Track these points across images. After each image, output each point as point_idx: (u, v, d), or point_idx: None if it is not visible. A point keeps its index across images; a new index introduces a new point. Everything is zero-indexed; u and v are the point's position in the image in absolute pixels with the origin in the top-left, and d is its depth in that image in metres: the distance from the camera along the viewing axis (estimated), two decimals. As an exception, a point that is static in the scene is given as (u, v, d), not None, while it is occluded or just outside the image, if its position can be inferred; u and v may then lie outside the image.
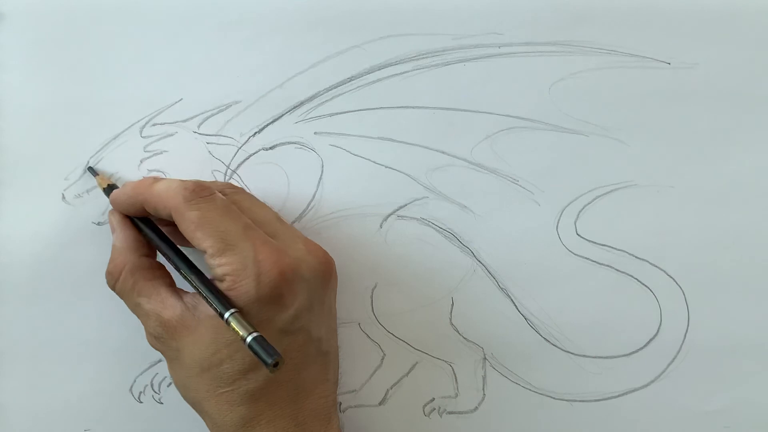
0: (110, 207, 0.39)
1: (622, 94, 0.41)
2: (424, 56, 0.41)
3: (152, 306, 0.36)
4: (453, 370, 0.41)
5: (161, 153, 0.41)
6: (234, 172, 0.41)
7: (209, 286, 0.34)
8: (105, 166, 0.41)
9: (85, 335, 0.41)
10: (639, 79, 0.41)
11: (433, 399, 0.41)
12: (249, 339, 0.32)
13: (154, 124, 0.41)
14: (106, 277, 0.38)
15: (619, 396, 0.41)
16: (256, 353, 0.32)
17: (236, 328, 0.32)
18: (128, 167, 0.41)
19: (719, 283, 0.41)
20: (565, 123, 0.41)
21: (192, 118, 0.41)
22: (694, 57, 0.41)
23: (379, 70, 0.41)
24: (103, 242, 0.41)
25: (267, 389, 0.35)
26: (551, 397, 0.41)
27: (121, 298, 0.38)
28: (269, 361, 0.31)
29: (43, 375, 0.41)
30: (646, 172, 0.41)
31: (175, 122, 0.41)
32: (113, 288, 0.38)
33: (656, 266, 0.41)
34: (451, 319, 0.41)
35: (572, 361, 0.41)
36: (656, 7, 0.41)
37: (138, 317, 0.37)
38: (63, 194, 0.41)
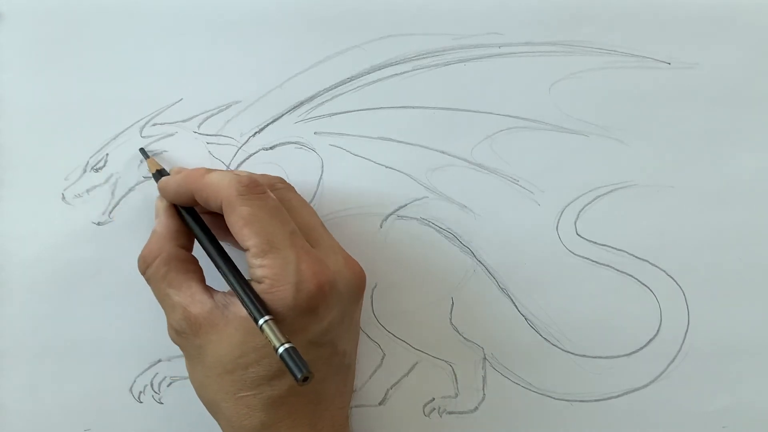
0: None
1: (622, 94, 0.41)
2: (424, 56, 0.41)
3: (180, 299, 0.36)
4: (453, 370, 0.41)
5: (161, 153, 0.41)
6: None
7: (246, 288, 0.34)
8: (105, 165, 0.41)
9: (85, 335, 0.41)
10: (639, 79, 0.41)
11: (433, 399, 0.41)
12: (281, 349, 0.31)
13: (154, 124, 0.41)
14: (139, 261, 0.37)
15: (619, 396, 0.41)
16: (287, 365, 0.31)
17: (270, 336, 0.32)
18: (128, 167, 0.41)
19: (719, 283, 0.41)
20: (565, 123, 0.41)
21: (192, 118, 0.41)
22: (694, 57, 0.41)
23: (379, 70, 0.41)
24: (103, 242, 0.41)
25: (289, 397, 0.35)
26: (551, 397, 0.41)
27: (150, 284, 0.37)
28: (299, 375, 0.31)
29: (43, 375, 0.41)
30: (646, 172, 0.41)
31: (175, 122, 0.41)
32: (143, 273, 0.37)
33: (656, 266, 0.41)
34: (451, 319, 0.41)
35: (572, 361, 0.41)
36: (656, 7, 0.41)
37: (163, 308, 0.37)
38: (63, 194, 0.41)
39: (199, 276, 0.37)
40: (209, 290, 0.36)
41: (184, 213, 0.38)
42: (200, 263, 0.38)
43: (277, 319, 0.33)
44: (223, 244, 0.37)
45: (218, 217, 0.37)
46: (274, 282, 0.34)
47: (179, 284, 0.36)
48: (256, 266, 0.34)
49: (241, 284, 0.34)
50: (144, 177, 0.41)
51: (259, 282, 0.34)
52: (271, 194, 0.36)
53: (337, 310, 0.35)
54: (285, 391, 0.34)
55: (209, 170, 0.37)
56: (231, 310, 0.35)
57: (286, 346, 0.31)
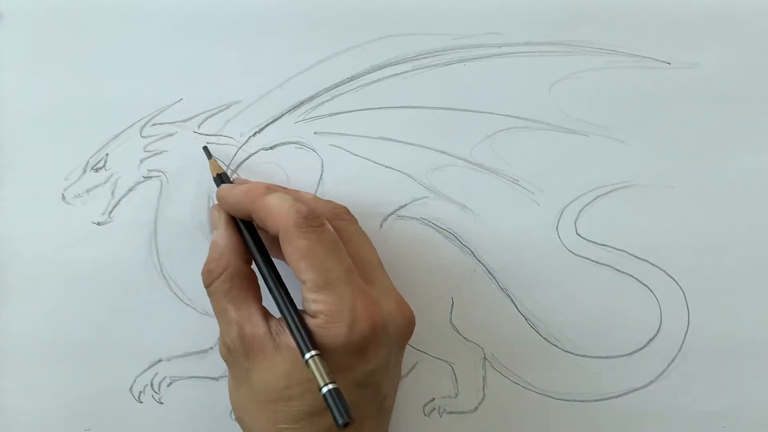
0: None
1: (622, 94, 0.41)
2: (424, 56, 0.41)
3: (238, 317, 0.35)
4: (453, 370, 0.41)
5: (161, 153, 0.41)
6: (234, 172, 0.41)
7: (298, 320, 0.34)
8: (105, 165, 0.41)
9: (85, 335, 0.41)
10: (639, 79, 0.41)
11: (433, 399, 0.41)
12: (325, 389, 0.31)
13: (154, 124, 0.41)
14: (204, 274, 0.37)
15: (619, 396, 0.41)
16: (329, 406, 0.31)
17: (315, 373, 0.32)
18: (128, 167, 0.41)
19: (719, 283, 0.41)
20: (565, 123, 0.41)
21: (192, 118, 0.41)
22: (694, 57, 0.41)
23: (379, 70, 0.41)
24: (103, 242, 0.41)
25: None
26: (551, 397, 0.41)
27: (210, 297, 0.37)
28: (340, 421, 0.31)
29: (43, 375, 0.41)
30: (646, 172, 0.41)
31: (175, 122, 0.41)
32: (208, 286, 0.36)
33: (656, 266, 0.41)
34: (451, 319, 0.41)
35: (572, 361, 0.41)
36: (656, 7, 0.41)
37: (219, 322, 0.36)
38: (63, 194, 0.41)
39: (258, 295, 0.37)
40: (266, 313, 0.36)
41: (243, 228, 0.37)
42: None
43: (327, 356, 0.33)
44: (277, 260, 0.37)
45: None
46: (328, 318, 0.33)
47: (239, 302, 0.36)
48: (310, 300, 0.34)
49: (293, 315, 0.34)
50: (144, 177, 0.41)
51: (314, 317, 0.34)
52: (329, 227, 0.35)
53: (385, 353, 0.35)
54: (325, 429, 0.34)
55: (270, 188, 0.36)
56: (282, 339, 0.34)
57: (331, 386, 0.31)
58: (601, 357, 0.41)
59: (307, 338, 0.33)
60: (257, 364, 0.34)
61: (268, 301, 0.36)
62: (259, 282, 0.37)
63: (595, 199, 0.41)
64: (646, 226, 0.41)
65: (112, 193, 0.41)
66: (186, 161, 0.41)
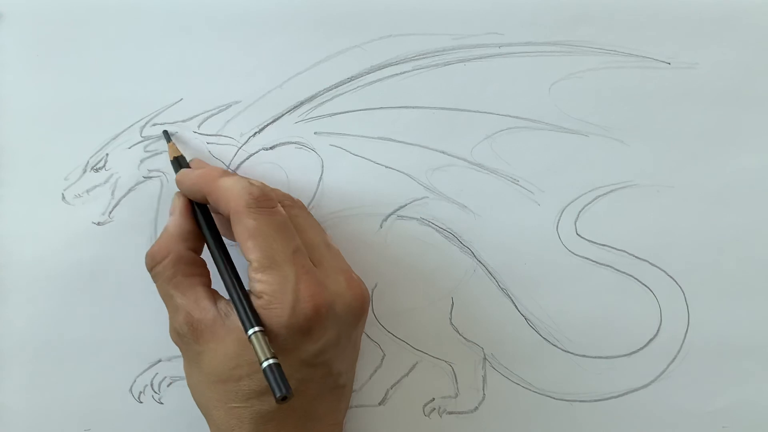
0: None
1: (622, 94, 0.41)
2: (424, 56, 0.41)
3: (185, 302, 0.36)
4: (453, 370, 0.41)
5: (161, 153, 0.41)
6: (234, 172, 0.41)
7: (244, 299, 0.34)
8: (105, 165, 0.41)
9: (85, 335, 0.41)
10: (639, 79, 0.41)
11: (433, 399, 0.41)
12: (265, 364, 0.32)
13: (154, 124, 0.41)
14: (147, 258, 0.37)
15: (619, 396, 0.41)
16: (268, 380, 0.31)
17: (256, 348, 0.32)
18: (128, 167, 0.41)
19: (719, 283, 0.41)
20: (565, 123, 0.41)
21: (192, 118, 0.41)
22: (694, 57, 0.41)
23: (379, 70, 0.41)
24: (103, 242, 0.41)
25: (278, 413, 0.35)
26: (551, 397, 0.41)
27: (155, 282, 0.37)
28: (278, 393, 0.31)
29: (43, 375, 0.41)
30: (646, 172, 0.41)
31: (175, 122, 0.41)
32: (150, 270, 0.37)
33: (656, 266, 0.41)
34: (451, 319, 0.41)
35: (572, 361, 0.41)
36: (656, 7, 0.41)
37: (167, 308, 0.37)
38: (63, 194, 0.41)
39: (205, 280, 0.37)
40: (214, 296, 0.36)
41: (197, 213, 0.38)
42: (209, 266, 0.38)
43: (271, 336, 0.33)
44: (232, 246, 0.37)
45: None
46: (271, 299, 0.34)
47: (185, 288, 0.36)
48: (255, 280, 0.34)
49: (239, 295, 0.34)
50: (144, 177, 0.41)
51: (258, 297, 0.34)
52: (280, 209, 0.36)
53: (334, 332, 0.35)
54: (275, 407, 0.34)
55: (225, 172, 0.37)
56: (232, 319, 0.35)
57: (271, 362, 0.32)
58: (601, 357, 0.41)
59: (252, 316, 0.33)
60: (207, 347, 0.35)
61: (223, 289, 0.36)
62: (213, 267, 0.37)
63: (595, 199, 0.41)
64: (646, 226, 0.41)
65: (112, 193, 0.41)
66: (186, 161, 0.41)
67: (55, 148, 0.41)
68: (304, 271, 0.34)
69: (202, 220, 0.37)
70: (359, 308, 0.37)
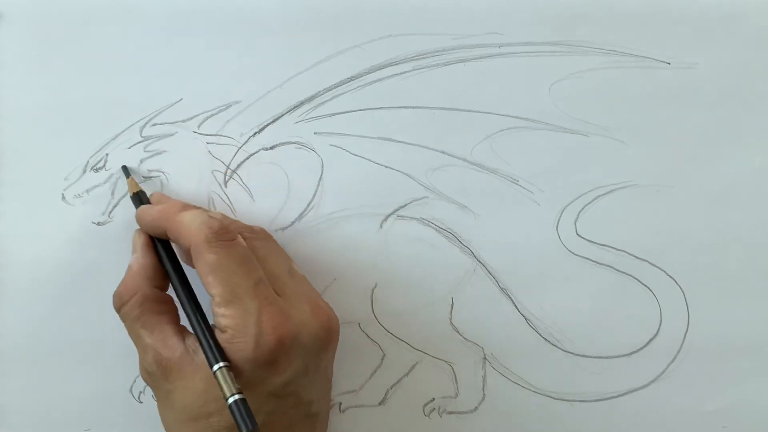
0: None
1: (622, 94, 0.41)
2: (424, 56, 0.41)
3: (153, 341, 0.35)
4: (453, 370, 0.41)
5: (161, 153, 0.41)
6: (234, 172, 0.41)
7: (208, 334, 0.34)
8: (105, 165, 0.41)
9: (85, 335, 0.41)
10: (639, 79, 0.41)
11: (433, 399, 0.41)
12: (231, 400, 0.32)
13: (154, 124, 0.41)
14: (114, 298, 0.37)
15: (619, 396, 0.41)
16: (234, 417, 0.31)
17: (221, 384, 0.32)
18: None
19: (719, 283, 0.41)
20: (565, 123, 0.41)
21: (192, 118, 0.41)
22: (694, 57, 0.41)
23: (379, 70, 0.41)
24: (103, 242, 0.41)
25: None
26: (551, 397, 0.41)
27: (123, 322, 0.37)
28: (243, 429, 0.31)
29: (43, 375, 0.41)
30: (646, 172, 0.41)
31: (175, 122, 0.41)
32: (118, 311, 0.37)
33: (656, 266, 0.41)
34: (451, 319, 0.41)
35: (572, 361, 0.41)
36: (656, 7, 0.41)
37: (136, 348, 0.36)
38: (63, 194, 0.41)
39: (172, 318, 0.37)
40: (182, 333, 0.36)
41: (159, 249, 0.38)
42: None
43: (237, 371, 0.33)
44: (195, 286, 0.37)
45: None
46: (235, 333, 0.33)
47: (152, 326, 0.36)
48: (219, 315, 0.34)
49: (204, 331, 0.34)
50: (144, 177, 0.41)
51: (223, 331, 0.34)
52: (241, 241, 0.35)
53: (300, 362, 0.35)
54: None
55: (185, 206, 0.37)
56: (200, 356, 0.35)
57: (237, 397, 0.32)
58: (601, 357, 0.41)
59: (217, 351, 0.33)
60: (177, 385, 0.35)
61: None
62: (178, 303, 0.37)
63: (595, 199, 0.41)
64: (646, 226, 0.41)
65: (112, 193, 0.41)
66: (186, 161, 0.41)
67: (55, 148, 0.41)
68: (267, 302, 0.34)
69: (165, 256, 0.37)
70: (325, 337, 0.36)
